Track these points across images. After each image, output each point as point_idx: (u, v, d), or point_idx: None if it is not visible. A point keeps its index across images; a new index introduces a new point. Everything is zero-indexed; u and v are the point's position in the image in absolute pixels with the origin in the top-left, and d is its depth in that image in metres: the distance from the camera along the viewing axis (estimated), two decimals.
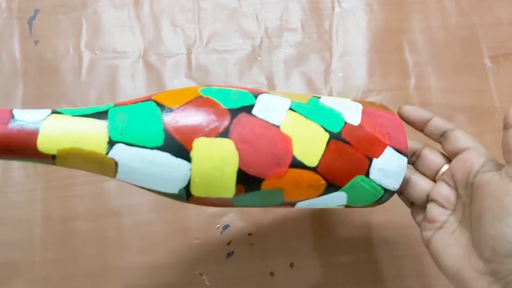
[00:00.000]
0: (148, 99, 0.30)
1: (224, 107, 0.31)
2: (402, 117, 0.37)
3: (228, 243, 0.49)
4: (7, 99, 0.52)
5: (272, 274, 0.49)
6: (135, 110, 0.30)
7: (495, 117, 0.55)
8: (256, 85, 0.54)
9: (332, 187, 0.33)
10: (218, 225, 0.50)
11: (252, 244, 0.49)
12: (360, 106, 0.36)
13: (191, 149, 0.29)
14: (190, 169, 0.29)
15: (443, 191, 0.35)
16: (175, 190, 0.30)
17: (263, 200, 0.33)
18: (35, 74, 0.53)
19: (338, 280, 0.49)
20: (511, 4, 0.60)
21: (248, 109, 0.31)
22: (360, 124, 0.34)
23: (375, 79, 0.55)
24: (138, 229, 0.49)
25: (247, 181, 0.31)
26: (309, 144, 0.32)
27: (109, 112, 0.29)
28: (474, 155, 0.34)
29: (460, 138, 0.35)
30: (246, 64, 0.55)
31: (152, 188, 0.30)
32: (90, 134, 0.28)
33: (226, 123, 0.30)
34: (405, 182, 0.37)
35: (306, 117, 0.33)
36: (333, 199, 0.34)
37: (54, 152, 0.27)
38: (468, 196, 0.33)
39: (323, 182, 0.33)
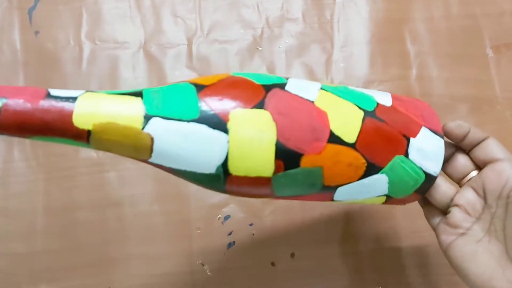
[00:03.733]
0: (181, 82, 0.31)
1: (257, 83, 0.31)
2: (446, 133, 0.36)
3: (229, 234, 0.49)
4: None
5: (273, 264, 0.49)
6: (169, 88, 0.29)
7: (496, 107, 0.55)
8: None
9: (372, 167, 0.32)
10: (219, 216, 0.50)
11: (253, 234, 0.49)
12: (388, 93, 0.36)
13: (227, 120, 0.29)
14: (228, 141, 0.29)
15: (470, 197, 0.34)
16: (212, 168, 0.29)
17: (303, 182, 0.32)
18: (35, 65, 0.53)
19: (339, 270, 0.49)
20: None
21: (281, 86, 0.31)
22: (392, 105, 0.34)
23: (377, 69, 0.55)
24: (140, 220, 0.49)
25: (286, 155, 0.30)
26: (345, 120, 0.31)
27: (143, 91, 0.29)
28: (509, 168, 0.33)
29: (495, 148, 0.34)
30: (247, 54, 0.55)
31: (188, 169, 0.30)
32: (126, 108, 0.27)
33: (261, 96, 0.30)
34: None
35: (339, 96, 0.33)
36: (374, 184, 0.33)
37: (90, 127, 0.27)
38: (501, 208, 0.33)
39: (363, 161, 0.32)
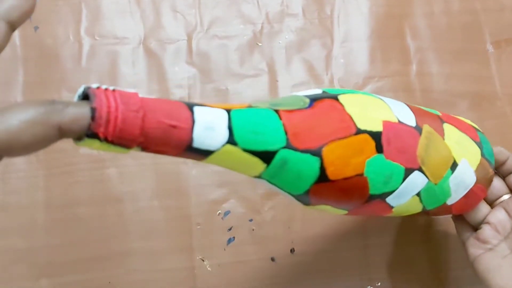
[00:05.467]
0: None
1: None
2: None
3: (229, 229, 0.49)
4: (8, 85, 0.52)
5: (273, 259, 0.49)
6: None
7: (496, 103, 0.55)
8: (257, 71, 0.54)
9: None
10: (219, 211, 0.50)
11: (253, 229, 0.50)
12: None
13: None
14: None
15: (501, 217, 0.38)
16: None
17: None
18: (35, 61, 0.53)
19: (339, 266, 0.49)
20: None
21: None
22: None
23: (377, 65, 0.55)
24: (140, 215, 0.49)
25: None
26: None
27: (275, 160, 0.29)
28: None
29: None
30: (247, 50, 0.55)
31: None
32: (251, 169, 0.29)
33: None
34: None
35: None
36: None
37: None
38: None
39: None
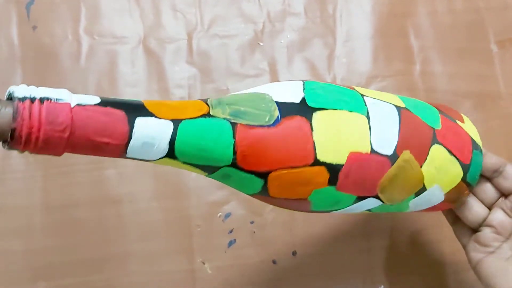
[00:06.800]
0: None
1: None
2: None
3: (230, 231, 0.49)
4: (6, 85, 0.50)
5: (274, 262, 0.48)
6: None
7: (500, 103, 0.54)
8: (258, 71, 0.53)
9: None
10: (220, 213, 0.49)
11: (254, 232, 0.49)
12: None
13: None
14: None
15: (501, 218, 0.37)
16: None
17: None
18: (33, 60, 0.52)
19: (341, 269, 0.49)
20: None
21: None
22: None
23: (380, 64, 0.55)
24: (139, 217, 0.49)
25: None
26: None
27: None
28: None
29: None
30: (248, 49, 0.54)
31: None
32: None
33: None
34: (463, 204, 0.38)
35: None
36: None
37: None
38: None
39: None
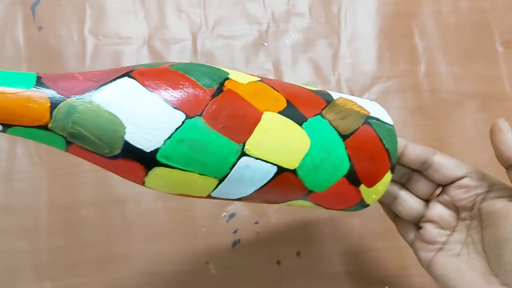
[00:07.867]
0: None
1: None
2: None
3: (234, 232, 0.49)
4: None
5: (278, 262, 0.48)
6: None
7: (506, 104, 0.54)
8: (263, 71, 0.53)
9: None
10: (224, 214, 0.49)
11: (258, 232, 0.49)
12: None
13: None
14: None
15: (440, 211, 0.35)
16: None
17: None
18: (39, 61, 0.53)
19: (345, 269, 0.49)
20: None
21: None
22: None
23: (384, 65, 0.54)
24: (144, 217, 0.49)
25: None
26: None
27: None
28: (473, 182, 0.33)
29: (449, 167, 0.34)
30: (253, 50, 0.54)
31: None
32: None
33: None
34: (393, 198, 0.36)
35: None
36: None
37: None
38: (475, 220, 0.33)
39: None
